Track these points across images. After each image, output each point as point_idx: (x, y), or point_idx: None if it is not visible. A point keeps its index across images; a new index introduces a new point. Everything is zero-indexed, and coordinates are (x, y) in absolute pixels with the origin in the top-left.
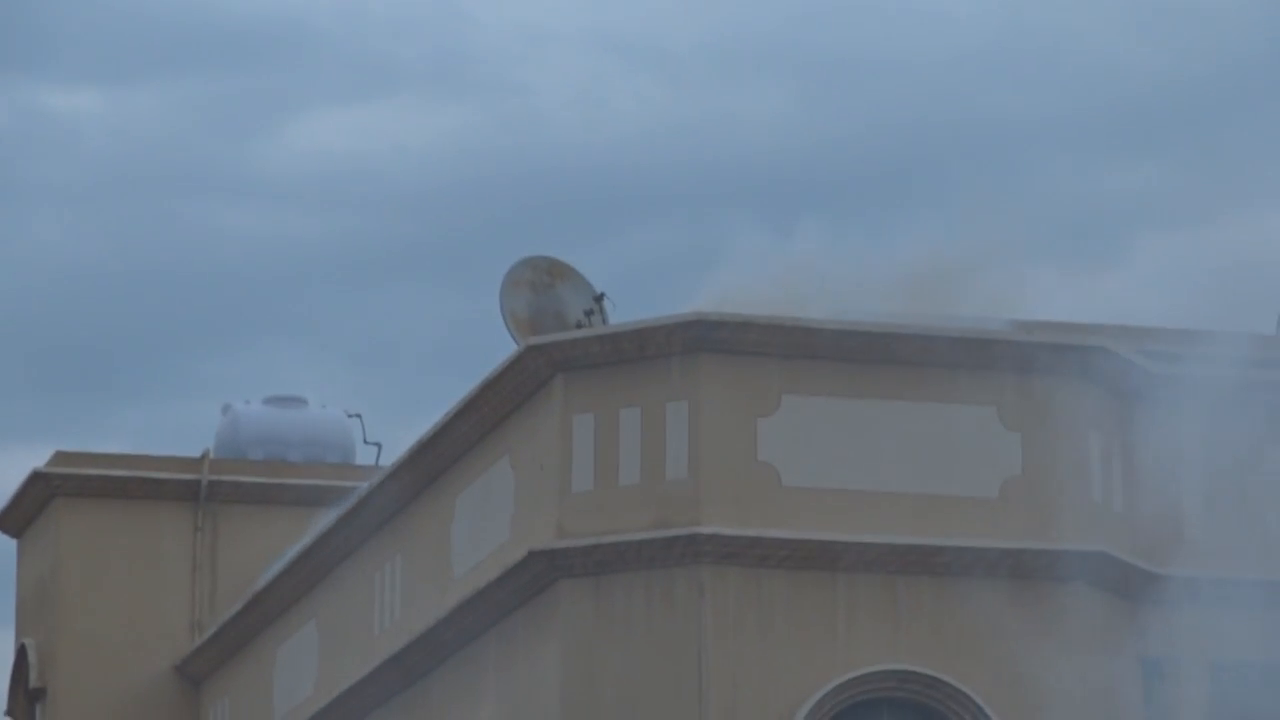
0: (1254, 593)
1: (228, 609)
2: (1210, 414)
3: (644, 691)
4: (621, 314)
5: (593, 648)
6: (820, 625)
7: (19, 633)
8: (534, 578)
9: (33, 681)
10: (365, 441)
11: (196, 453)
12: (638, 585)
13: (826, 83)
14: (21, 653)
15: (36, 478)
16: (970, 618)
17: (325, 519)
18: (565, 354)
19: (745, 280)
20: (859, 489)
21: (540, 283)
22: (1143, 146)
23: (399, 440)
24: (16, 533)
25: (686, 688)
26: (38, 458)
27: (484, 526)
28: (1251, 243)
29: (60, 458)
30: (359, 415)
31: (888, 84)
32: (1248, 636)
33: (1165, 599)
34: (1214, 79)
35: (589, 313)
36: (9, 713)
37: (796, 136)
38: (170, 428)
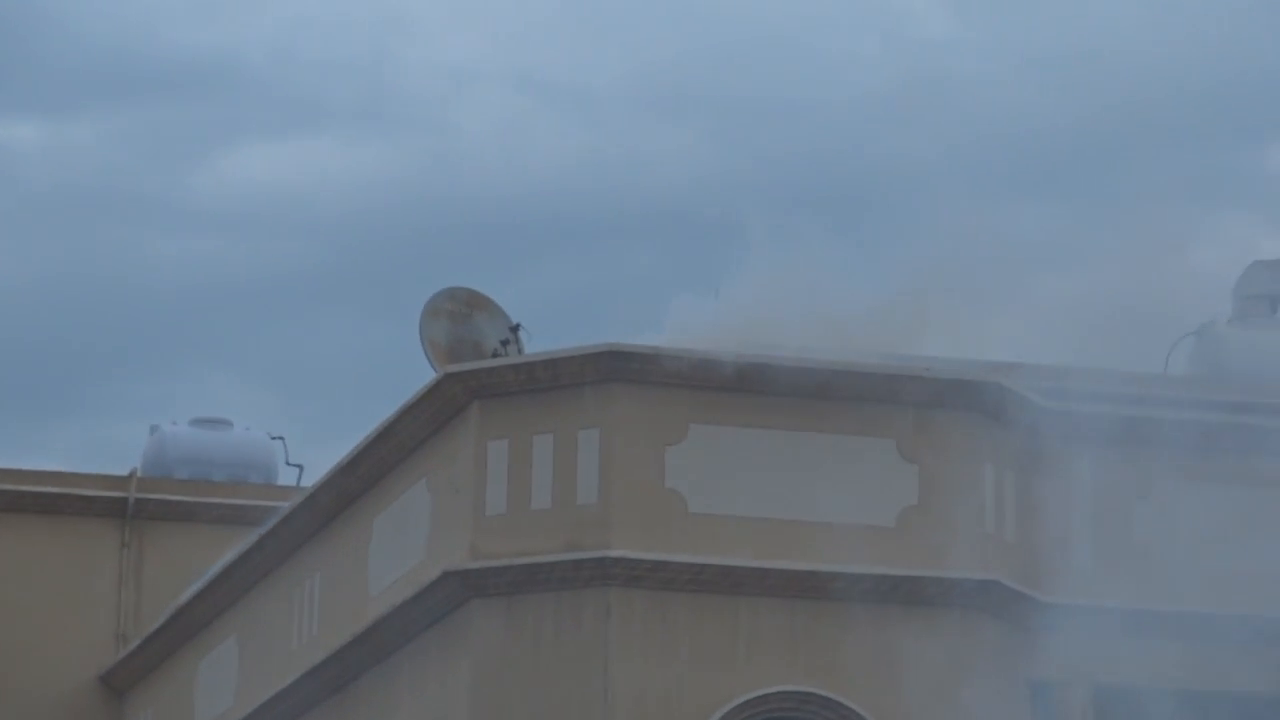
0: (1136, 620)
1: (152, 622)
2: (1099, 449)
3: (552, 707)
4: (537, 344)
5: (503, 665)
6: (722, 647)
7: None
8: (447, 597)
9: None
10: (287, 463)
11: (124, 471)
12: (548, 605)
13: (737, 121)
14: None
15: None
16: (867, 642)
17: (248, 537)
18: (482, 382)
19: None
20: (762, 516)
21: (459, 313)
22: (1041, 189)
23: (320, 462)
24: None
25: (593, 705)
26: None
27: (400, 547)
28: (1143, 284)
29: None
30: (282, 438)
31: (797, 123)
32: (1130, 662)
33: (1053, 626)
34: (1110, 124)
35: (505, 343)
36: None
37: (708, 173)
38: (99, 447)
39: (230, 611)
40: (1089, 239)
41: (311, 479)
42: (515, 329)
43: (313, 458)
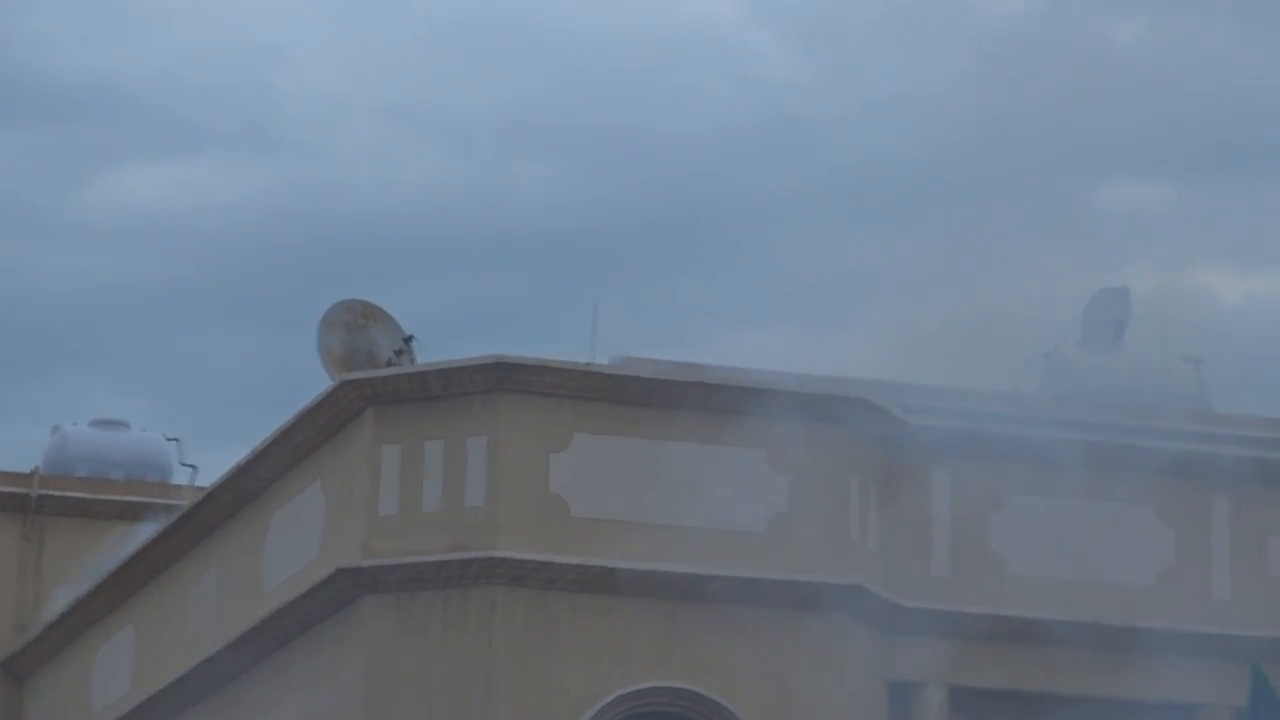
0: (989, 625)
1: (52, 613)
2: (957, 463)
3: (439, 701)
4: (428, 355)
5: (393, 660)
6: (602, 644)
7: None
8: (340, 593)
9: None
10: (182, 463)
11: (27, 469)
12: (436, 603)
13: (598, 153)
14: None
15: None
16: (737, 642)
17: (147, 532)
18: (376, 389)
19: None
20: (640, 521)
21: (354, 324)
22: (887, 219)
23: (213, 464)
24: None
25: (478, 698)
26: None
27: (296, 545)
28: (996, 309)
29: None
30: (177, 439)
31: (654, 156)
32: (984, 665)
33: (913, 629)
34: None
35: (398, 352)
36: None
37: (571, 199)
38: (2, 447)
39: (128, 603)
40: (943, 267)
41: (206, 479)
42: (408, 340)
43: (205, 460)
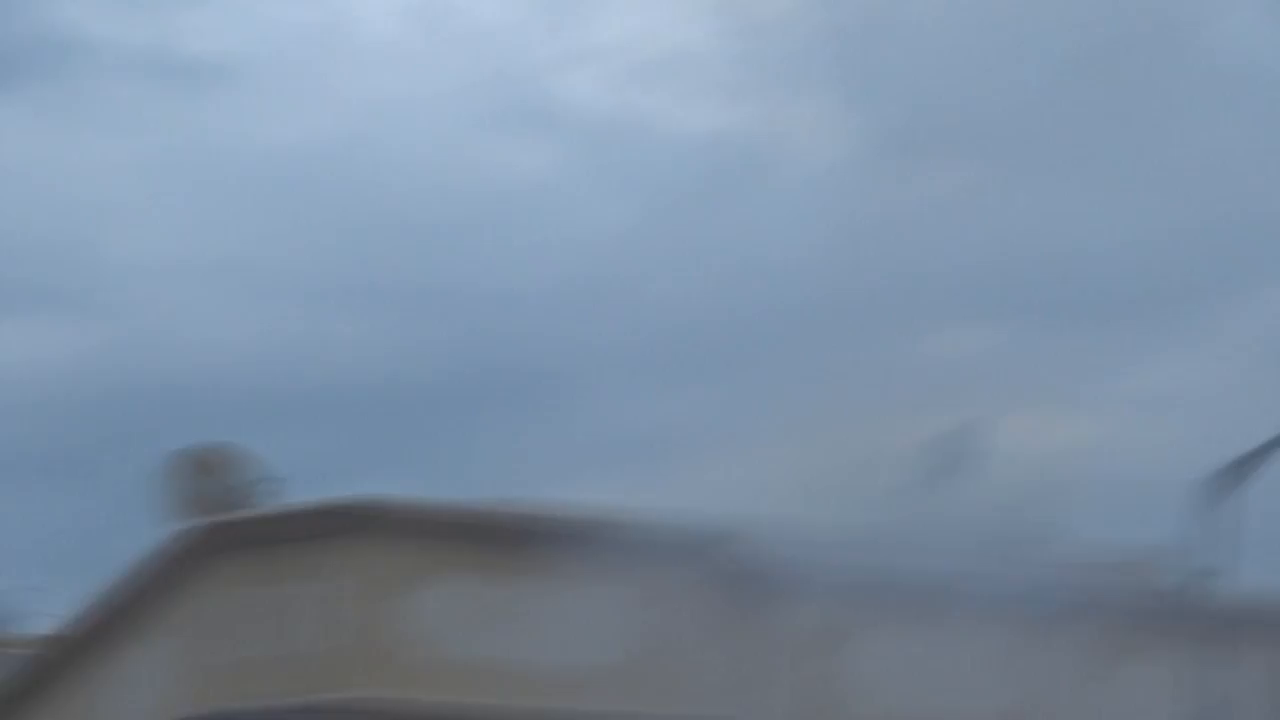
0: None
1: None
2: (808, 596)
3: None
4: (279, 498)
5: None
6: None
7: None
8: None
9: None
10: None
11: None
12: None
13: (421, 308)
14: None
15: None
16: None
17: None
18: (223, 534)
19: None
20: (495, 659)
21: (201, 469)
22: (699, 372)
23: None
24: None
25: None
26: None
27: (153, 688)
28: (841, 450)
29: None
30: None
31: (475, 312)
32: None
33: None
34: (758, 315)
35: (245, 496)
36: None
37: (392, 358)
38: None
39: None
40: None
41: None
42: (261, 483)
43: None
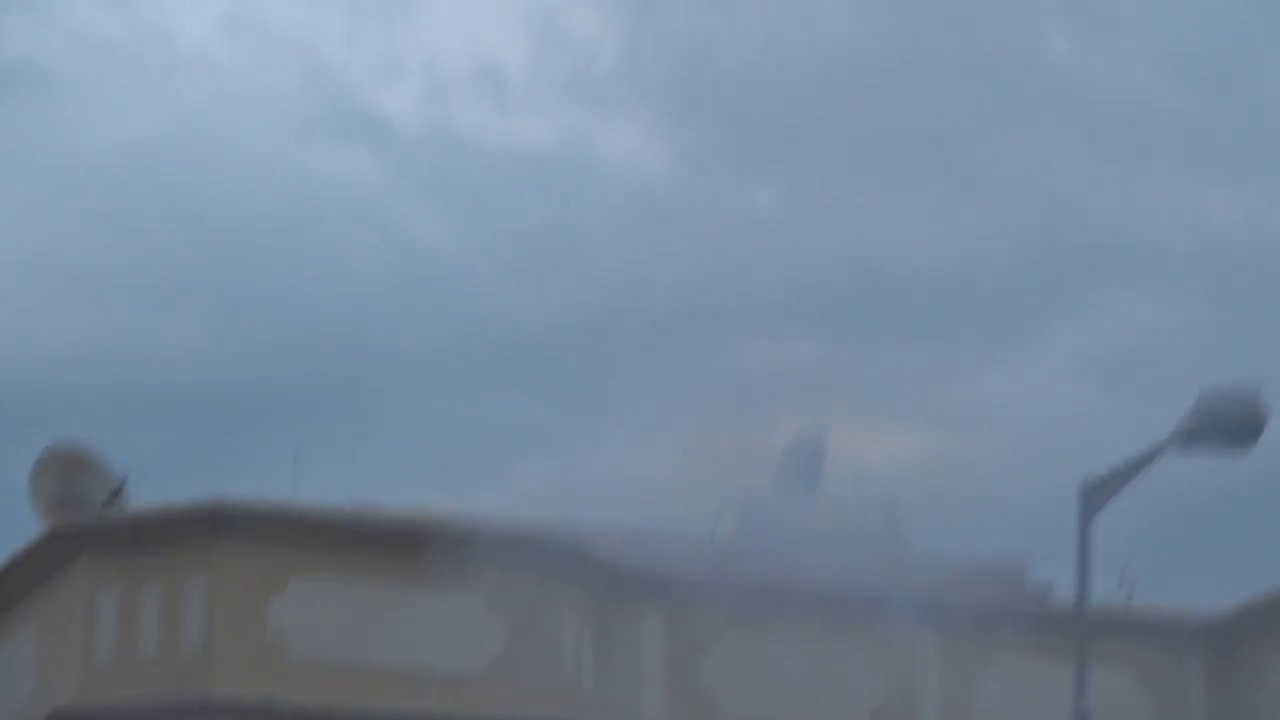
0: None
1: None
2: (667, 604)
3: None
4: (141, 500)
5: None
6: None
7: None
8: None
9: None
10: None
11: None
12: None
13: (242, 313)
14: None
15: None
16: None
17: None
18: (91, 534)
19: None
20: (358, 662)
21: (66, 470)
22: (523, 382)
23: None
24: None
25: None
26: None
27: (9, 688)
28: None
29: None
30: None
31: (300, 316)
32: None
33: None
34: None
35: (113, 495)
36: None
37: (210, 362)
38: None
39: None
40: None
41: None
42: (122, 484)
43: None
